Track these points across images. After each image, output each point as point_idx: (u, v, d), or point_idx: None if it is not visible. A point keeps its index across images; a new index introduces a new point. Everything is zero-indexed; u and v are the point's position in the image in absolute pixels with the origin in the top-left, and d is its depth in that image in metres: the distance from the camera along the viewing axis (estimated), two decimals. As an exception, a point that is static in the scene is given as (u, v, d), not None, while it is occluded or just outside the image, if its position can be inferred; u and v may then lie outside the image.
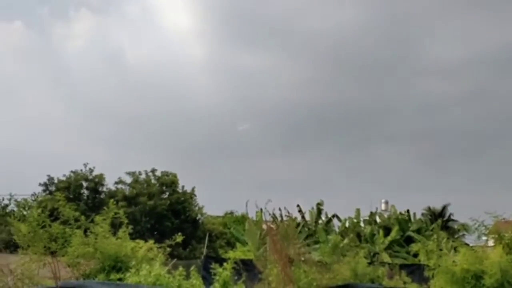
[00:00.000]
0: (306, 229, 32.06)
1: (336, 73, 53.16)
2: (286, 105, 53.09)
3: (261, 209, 19.11)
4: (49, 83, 50.82)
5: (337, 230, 33.44)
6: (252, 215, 29.80)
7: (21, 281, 10.56)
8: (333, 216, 34.30)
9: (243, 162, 53.77)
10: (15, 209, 25.75)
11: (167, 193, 33.94)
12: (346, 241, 23.71)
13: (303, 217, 33.58)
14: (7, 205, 28.95)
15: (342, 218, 34.50)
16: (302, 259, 12.50)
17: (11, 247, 16.98)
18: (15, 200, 28.81)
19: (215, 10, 52.66)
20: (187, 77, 52.77)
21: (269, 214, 15.56)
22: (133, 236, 12.12)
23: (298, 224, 28.98)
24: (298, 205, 33.56)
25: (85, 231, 11.46)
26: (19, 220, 11.85)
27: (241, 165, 53.36)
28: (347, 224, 33.84)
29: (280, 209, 26.25)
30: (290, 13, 50.39)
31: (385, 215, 35.54)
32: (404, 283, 14.06)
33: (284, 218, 23.80)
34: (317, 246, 25.77)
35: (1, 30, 48.96)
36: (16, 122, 49.21)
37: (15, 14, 53.26)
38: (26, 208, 14.80)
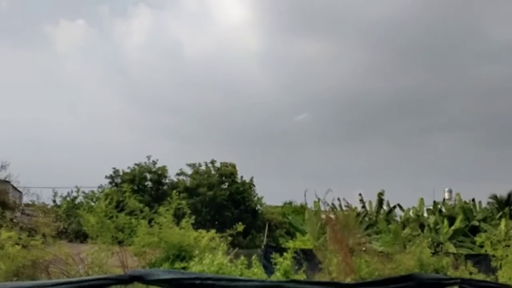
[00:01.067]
0: (367, 219, 31.62)
1: (394, 60, 51.84)
2: (344, 94, 52.41)
3: (320, 199, 19.03)
4: (111, 78, 52.62)
5: (399, 220, 32.78)
6: (310, 205, 29.70)
7: (91, 269, 11.08)
8: (395, 206, 33.65)
9: (301, 152, 53.60)
10: (84, 201, 26.96)
11: (227, 184, 34.43)
12: (407, 230, 23.22)
13: (363, 206, 33.15)
14: (75, 197, 30.35)
15: (404, 208, 33.80)
16: (363, 249, 12.40)
17: (81, 237, 17.80)
18: (83, 192, 30.11)
19: (271, 0, 52.51)
20: (244, 69, 53.11)
21: (328, 204, 15.46)
22: (195, 226, 12.43)
23: (359, 214, 28.63)
24: (360, 194, 33.21)
25: (149, 222, 11.87)
26: (87, 211, 12.44)
27: (299, 155, 53.23)
28: (410, 214, 33.11)
29: (339, 199, 26.03)
30: (346, 0, 49.54)
31: (449, 204, 34.48)
32: (470, 273, 13.62)
33: (344, 208, 23.58)
34: (378, 236, 25.40)
35: (65, 29, 51.04)
36: (82, 117, 51.38)
37: (78, 13, 55.39)
38: (94, 200, 15.62)
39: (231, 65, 52.35)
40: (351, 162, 52.86)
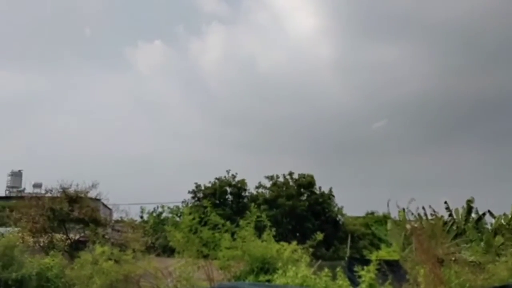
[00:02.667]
0: (455, 227, 30.20)
1: (474, 60, 49.53)
2: (423, 97, 50.71)
3: (404, 209, 18.46)
4: (189, 95, 54.39)
5: (489, 228, 31.02)
6: (394, 214, 28.85)
7: (179, 283, 11.45)
8: (484, 213, 31.91)
9: (381, 160, 52.33)
10: (169, 216, 27.84)
11: (305, 195, 34.31)
12: (498, 238, 21.92)
13: (450, 215, 31.72)
14: (161, 213, 31.50)
15: (495, 214, 31.95)
16: (452, 259, 11.88)
17: (168, 251, 18.41)
18: (168, 208, 31.15)
19: (342, 7, 52.10)
20: (319, 78, 52.93)
21: (412, 213, 14.98)
22: (276, 238, 12.50)
23: (445, 223, 27.44)
24: (445, 202, 31.83)
25: (232, 235, 12.09)
26: (173, 226, 12.89)
27: (379, 163, 52.01)
28: (501, 221, 31.24)
29: (424, 208, 25.10)
30: (419, 2, 48.15)
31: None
32: None
33: (430, 217, 22.71)
34: (467, 245, 24.18)
35: (144, 50, 53.47)
36: (163, 134, 53.40)
37: (155, 34, 57.84)
38: (178, 215, 16.10)
39: (305, 75, 52.40)
40: (434, 168, 50.86)
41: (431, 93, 50.26)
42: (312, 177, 34.76)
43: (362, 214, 42.48)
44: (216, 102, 53.47)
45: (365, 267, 10.33)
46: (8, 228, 18.97)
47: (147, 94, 53.78)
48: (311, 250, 12.08)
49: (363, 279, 10.18)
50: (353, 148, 51.92)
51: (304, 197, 34.24)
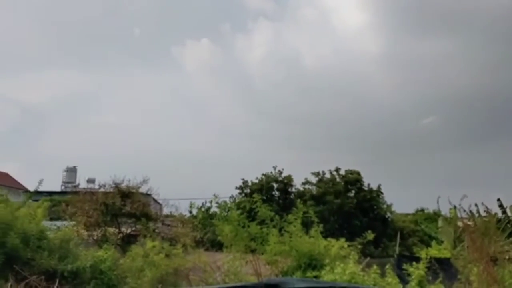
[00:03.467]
0: (509, 225, 29.16)
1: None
2: (473, 92, 49.18)
3: (455, 206, 17.98)
4: (236, 92, 54.80)
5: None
6: (445, 211, 28.12)
7: (227, 277, 11.60)
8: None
9: (431, 156, 51.14)
10: (217, 211, 28.17)
11: (353, 191, 33.97)
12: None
13: (504, 212, 30.65)
14: (209, 208, 31.95)
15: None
16: (506, 257, 11.50)
17: (216, 246, 18.69)
18: (216, 203, 31.50)
19: (389, 1, 51.14)
20: (365, 73, 52.19)
21: (464, 210, 14.55)
22: (323, 235, 12.47)
23: (499, 220, 26.51)
24: (498, 199, 30.78)
25: (279, 230, 12.15)
26: (221, 220, 13.07)
27: (428, 159, 50.81)
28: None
29: (476, 205, 24.36)
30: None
31: None
32: None
33: (482, 214, 22.00)
34: (523, 244, 23.28)
35: (191, 48, 54.24)
36: (211, 131, 54.04)
37: (202, 33, 58.62)
38: (226, 210, 16.29)
39: (351, 71, 51.79)
40: (486, 164, 49.19)
41: (481, 88, 48.69)
42: (359, 173, 34.39)
43: (411, 211, 41.66)
44: (262, 99, 53.72)
45: (414, 264, 10.18)
46: (64, 222, 19.73)
47: (195, 92, 54.65)
48: (359, 247, 11.98)
49: (412, 276, 10.04)
50: (402, 144, 50.97)
51: (351, 194, 33.91)
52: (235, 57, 55.39)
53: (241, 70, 55.09)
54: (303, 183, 34.93)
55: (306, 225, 12.52)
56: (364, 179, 34.19)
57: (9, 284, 12.65)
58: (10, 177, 41.27)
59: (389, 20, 52.09)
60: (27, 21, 50.92)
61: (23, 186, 38.18)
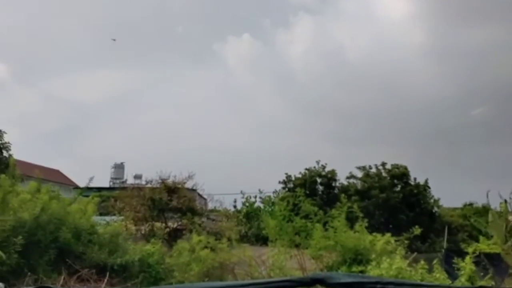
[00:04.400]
0: None
1: None
2: (527, 81, 47.16)
3: (506, 200, 17.43)
4: (278, 87, 54.70)
5: None
6: (495, 205, 27.28)
7: (272, 271, 11.68)
8: None
9: (480, 149, 49.55)
10: (261, 205, 28.32)
11: (399, 186, 33.42)
12: None
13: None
14: (254, 202, 32.16)
15: None
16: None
17: (260, 240, 18.81)
18: (260, 198, 31.68)
19: (435, -10, 49.72)
20: (410, 65, 51.05)
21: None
22: (368, 230, 12.37)
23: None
24: (551, 194, 29.61)
25: (324, 225, 12.13)
26: (266, 215, 13.17)
27: (477, 152, 49.26)
28: None
29: (529, 199, 23.50)
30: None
31: None
32: None
33: (535, 208, 21.23)
34: None
35: (233, 44, 54.53)
36: (253, 126, 54.25)
37: (243, 28, 58.72)
38: (270, 205, 16.48)
39: (395, 62, 50.77)
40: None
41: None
42: (405, 168, 33.78)
43: (459, 205, 40.58)
44: (304, 93, 53.40)
45: (464, 259, 9.96)
46: (113, 217, 20.31)
47: (237, 87, 54.93)
48: (406, 242, 11.82)
49: (462, 272, 9.82)
50: (449, 137, 49.57)
51: (397, 189, 33.37)
52: (276, 52, 55.32)
53: (283, 65, 54.96)
54: (348, 178, 34.62)
55: (351, 220, 12.44)
56: (411, 173, 33.59)
57: (62, 277, 13.16)
58: (61, 173, 42.76)
59: (433, 8, 50.76)
60: (77, 23, 52.51)
61: (74, 182, 39.50)
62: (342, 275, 3.85)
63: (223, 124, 52.90)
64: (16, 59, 51.99)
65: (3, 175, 15.75)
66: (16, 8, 49.28)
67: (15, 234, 13.39)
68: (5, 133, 22.59)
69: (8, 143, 22.62)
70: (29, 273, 12.93)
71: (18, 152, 23.47)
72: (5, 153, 22.18)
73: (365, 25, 55.21)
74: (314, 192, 33.50)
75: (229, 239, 14.15)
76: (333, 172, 34.50)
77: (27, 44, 51.64)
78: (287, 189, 34.08)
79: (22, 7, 49.11)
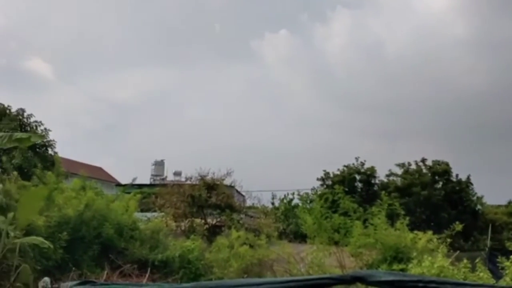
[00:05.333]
0: None
1: None
2: None
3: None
4: (316, 83, 54.31)
5: None
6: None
7: (311, 269, 11.67)
8: None
9: (526, 144, 47.82)
10: (299, 202, 28.30)
11: (440, 183, 32.72)
12: None
13: None
14: (291, 199, 32.12)
15: None
16: None
17: (299, 237, 18.78)
18: (298, 195, 31.65)
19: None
20: (451, 58, 49.75)
21: None
22: (409, 227, 12.17)
23: None
24: None
25: (363, 222, 12.01)
26: (304, 212, 13.14)
27: (523, 148, 47.58)
28: None
29: None
30: None
31: None
32: None
33: None
34: None
35: (270, 40, 54.45)
36: (291, 122, 54.07)
37: (280, 24, 58.61)
38: (308, 202, 16.44)
39: (436, 56, 49.50)
40: None
41: None
42: (447, 164, 33.02)
43: (504, 202, 39.39)
44: (342, 89, 52.83)
45: (509, 258, 9.67)
46: (154, 213, 20.69)
47: (274, 84, 54.83)
48: (448, 240, 11.57)
49: (506, 271, 9.54)
50: (493, 132, 48.02)
51: (439, 185, 32.68)
52: (314, 47, 54.86)
53: (320, 60, 54.47)
54: (387, 175, 34.10)
55: (391, 218, 12.27)
56: (453, 170, 32.81)
57: (105, 272, 13.52)
58: (104, 171, 43.77)
59: (475, 1, 49.30)
60: (116, 23, 53.62)
61: (115, 179, 40.40)
62: (383, 273, 3.79)
63: (261, 121, 53.02)
64: (59, 59, 53.44)
65: (49, 173, 16.30)
66: (58, 9, 50.73)
67: (60, 230, 13.85)
68: (50, 131, 23.29)
69: (53, 141, 23.32)
70: (73, 268, 13.35)
71: (62, 150, 24.14)
72: (50, 151, 22.86)
73: (404, 18, 54.13)
74: (353, 189, 33.15)
75: (267, 236, 14.20)
76: (372, 169, 34.05)
77: (70, 44, 53.05)
78: (325, 186, 33.86)
79: (64, 8, 50.50)
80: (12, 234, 11.98)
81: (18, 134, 13.33)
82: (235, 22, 54.15)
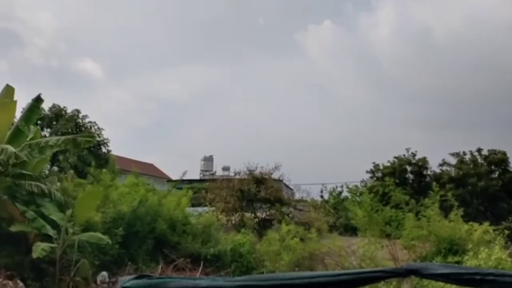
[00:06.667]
0: None
1: None
2: None
3: None
4: (362, 73, 53.31)
5: None
6: None
7: (363, 262, 11.55)
8: None
9: None
10: (349, 195, 28.06)
11: (497, 173, 31.62)
12: None
13: None
14: (341, 192, 31.85)
15: None
16: None
17: (349, 230, 18.63)
18: (347, 187, 31.38)
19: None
20: (504, 44, 47.79)
21: None
22: (464, 219, 11.84)
23: None
24: None
25: (416, 214, 11.78)
26: (354, 205, 13.03)
27: None
28: None
29: None
30: None
31: None
32: None
33: None
34: None
35: (314, 33, 53.93)
36: (338, 114, 53.53)
37: (324, 15, 57.75)
38: (358, 194, 16.25)
39: (487, 41, 47.63)
40: None
41: None
42: (504, 153, 31.85)
43: None
44: (389, 79, 51.71)
45: None
46: (204, 208, 21.04)
47: (319, 76, 54.29)
48: (506, 232, 11.20)
49: None
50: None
51: (495, 175, 31.58)
52: (359, 37, 53.89)
53: (366, 50, 53.47)
54: (440, 165, 33.22)
55: (445, 209, 11.98)
56: (510, 160, 31.63)
57: (160, 266, 13.87)
58: (155, 167, 44.75)
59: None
60: (161, 21, 54.60)
61: (166, 175, 41.25)
62: (438, 266, 3.72)
63: (307, 114, 52.71)
64: (109, 59, 54.94)
65: (104, 170, 16.86)
66: (105, 9, 52.08)
67: (116, 225, 14.31)
68: (103, 129, 24.06)
69: (107, 139, 24.08)
70: (129, 263, 13.77)
71: (114, 148, 24.88)
72: (103, 149, 23.62)
73: (453, 3, 52.40)
74: (404, 181, 32.51)
75: (318, 229, 14.16)
76: (424, 160, 33.26)
77: (118, 44, 54.43)
78: (375, 178, 33.36)
79: (111, 9, 51.81)
80: (71, 230, 12.50)
81: (79, 138, 14.01)
82: (278, 15, 53.90)
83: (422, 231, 11.15)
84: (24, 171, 13.85)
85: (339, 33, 53.18)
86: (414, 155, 33.49)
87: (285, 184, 25.32)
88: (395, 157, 33.75)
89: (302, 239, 13.82)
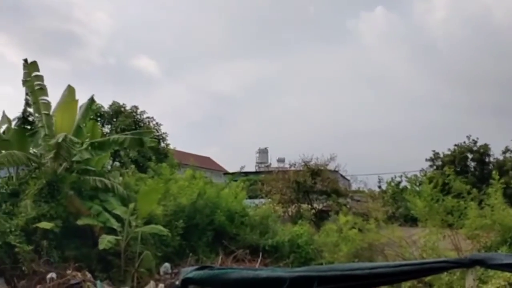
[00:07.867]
0: None
1: None
2: None
3: None
4: (418, 59, 51.88)
5: None
6: None
7: (425, 252, 11.33)
8: None
9: None
10: (408, 185, 27.48)
11: None
12: None
13: None
14: (399, 182, 31.24)
15: None
16: None
17: (409, 220, 18.28)
18: (406, 177, 30.72)
19: None
20: None
21: None
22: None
23: None
24: None
25: (479, 203, 11.43)
26: (413, 195, 12.77)
27: None
28: None
29: None
30: None
31: None
32: None
33: None
34: None
35: (366, 19, 52.79)
36: (394, 103, 52.36)
37: (376, 1, 56.50)
38: (417, 184, 15.90)
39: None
40: None
41: None
42: None
43: None
44: (447, 64, 50.01)
45: None
46: (261, 200, 21.23)
47: (374, 63, 53.24)
48: None
49: None
50: None
51: None
52: (413, 23, 52.34)
53: (421, 35, 51.87)
54: (503, 152, 31.89)
55: (510, 197, 11.57)
56: None
57: (220, 257, 14.15)
58: (212, 160, 45.49)
59: None
60: (213, 17, 55.15)
61: (223, 168, 41.87)
62: (504, 256, 3.64)
63: (362, 103, 51.95)
64: (164, 56, 56.12)
65: (164, 164, 17.35)
66: (160, 7, 53.16)
67: (176, 218, 14.71)
68: (161, 124, 24.70)
69: (165, 133, 24.71)
70: (190, 254, 14.14)
71: (172, 142, 25.52)
72: (162, 144, 24.25)
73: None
74: (465, 169, 31.48)
75: (376, 220, 13.99)
76: (486, 147, 32.04)
77: (173, 40, 55.45)
78: (434, 167, 32.46)
79: (166, 6, 52.80)
80: (134, 223, 12.98)
81: (144, 138, 14.69)
82: (329, 3, 53.24)
83: (486, 220, 10.80)
84: (88, 167, 14.50)
85: (392, 19, 51.94)
86: (475, 142, 32.33)
87: (341, 175, 25.14)
88: (455, 145, 32.71)
89: (360, 230, 13.70)
